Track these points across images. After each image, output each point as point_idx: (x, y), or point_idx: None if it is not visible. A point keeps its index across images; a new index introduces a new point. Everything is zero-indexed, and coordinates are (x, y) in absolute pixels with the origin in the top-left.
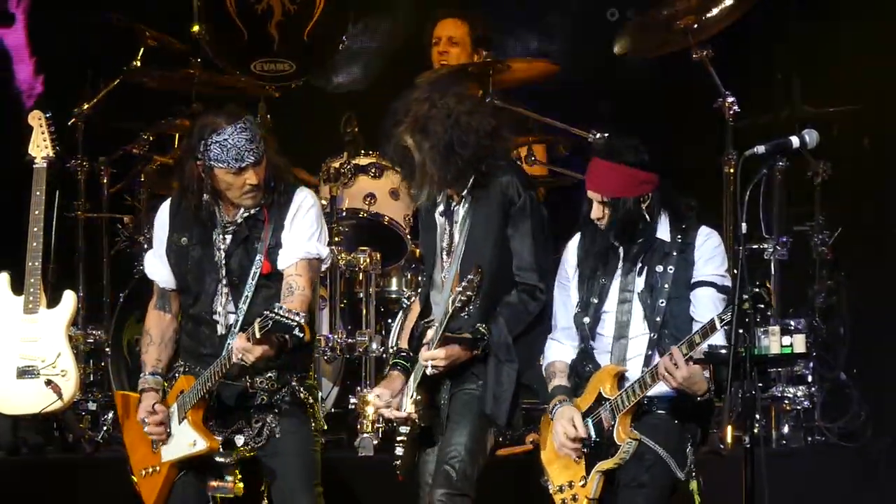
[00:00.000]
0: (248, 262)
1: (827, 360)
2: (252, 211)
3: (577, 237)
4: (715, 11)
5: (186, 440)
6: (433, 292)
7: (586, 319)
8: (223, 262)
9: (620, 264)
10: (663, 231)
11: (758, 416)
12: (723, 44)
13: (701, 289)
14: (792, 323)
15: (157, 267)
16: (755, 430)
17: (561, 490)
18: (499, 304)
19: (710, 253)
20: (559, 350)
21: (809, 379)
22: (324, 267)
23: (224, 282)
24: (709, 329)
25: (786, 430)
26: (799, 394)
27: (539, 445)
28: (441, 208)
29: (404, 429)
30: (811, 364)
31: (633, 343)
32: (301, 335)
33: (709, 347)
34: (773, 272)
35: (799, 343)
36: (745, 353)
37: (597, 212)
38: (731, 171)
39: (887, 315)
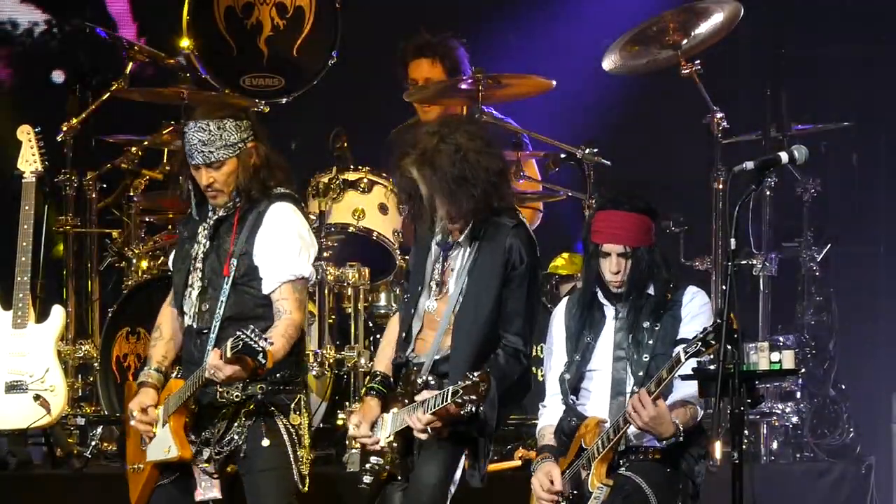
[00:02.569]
0: (218, 266)
1: (816, 376)
2: (222, 213)
3: (563, 302)
4: (704, 28)
5: (163, 445)
6: (415, 320)
7: (567, 376)
8: (200, 255)
9: (612, 323)
10: (651, 287)
11: (746, 433)
12: (711, 60)
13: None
14: (781, 339)
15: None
16: (743, 447)
17: None
18: (487, 362)
19: (697, 310)
20: (549, 416)
21: (798, 395)
22: (310, 283)
23: (193, 277)
24: (674, 363)
25: (774, 446)
26: (788, 410)
27: (527, 461)
28: (438, 237)
29: (375, 459)
30: (800, 380)
31: (629, 399)
32: (263, 361)
33: (697, 363)
34: (761, 288)
35: (788, 359)
36: (734, 369)
37: (615, 265)
38: (720, 187)
39: (876, 331)
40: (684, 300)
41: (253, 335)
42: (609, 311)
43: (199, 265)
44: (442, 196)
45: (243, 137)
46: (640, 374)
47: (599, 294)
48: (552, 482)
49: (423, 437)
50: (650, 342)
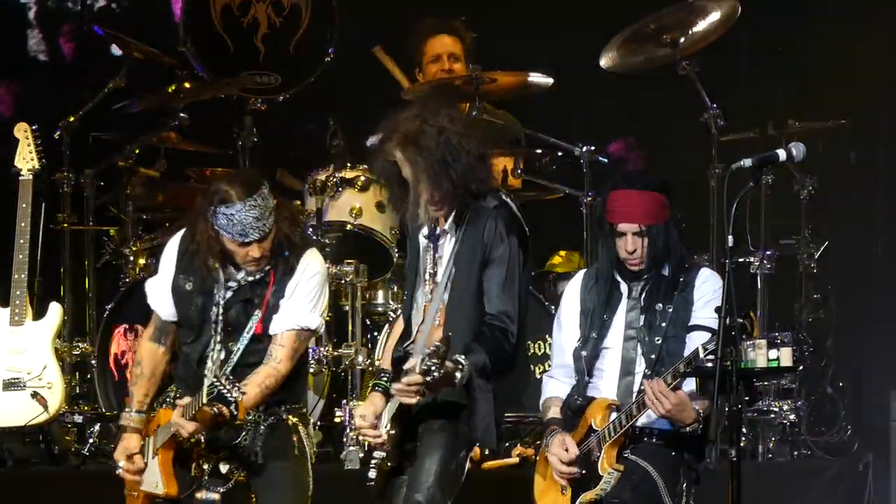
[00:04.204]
0: (244, 318)
1: (813, 373)
2: (258, 276)
3: (578, 276)
4: (701, 26)
5: (153, 479)
6: (414, 313)
7: (584, 353)
8: (221, 317)
9: (626, 301)
10: (665, 267)
11: (744, 430)
12: (709, 58)
13: (697, 332)
14: (778, 336)
15: (161, 298)
16: (741, 444)
17: None
18: (476, 340)
19: (710, 294)
20: (555, 387)
21: (796, 393)
22: (314, 336)
23: (218, 337)
24: (693, 358)
25: (771, 443)
26: (785, 408)
27: (524, 459)
28: (425, 230)
29: (379, 453)
30: (797, 378)
31: (637, 380)
32: (235, 412)
33: (695, 361)
34: (759, 286)
35: (785, 357)
36: (732, 366)
37: (631, 244)
38: (718, 184)
39: (873, 329)
40: (697, 282)
41: (227, 384)
42: (624, 288)
43: (221, 321)
44: (425, 177)
45: (271, 197)
46: (652, 356)
47: (615, 272)
48: (567, 450)
49: (409, 400)
50: (662, 324)
